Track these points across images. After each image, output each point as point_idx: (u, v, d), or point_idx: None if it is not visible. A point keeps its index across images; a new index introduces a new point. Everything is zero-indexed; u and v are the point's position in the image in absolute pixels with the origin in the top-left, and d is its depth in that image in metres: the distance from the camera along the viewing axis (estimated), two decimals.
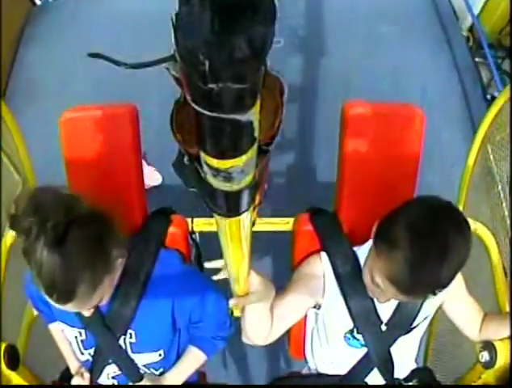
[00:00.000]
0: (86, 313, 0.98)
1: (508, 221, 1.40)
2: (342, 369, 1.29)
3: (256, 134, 0.44)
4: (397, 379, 1.32)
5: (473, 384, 1.28)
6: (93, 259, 0.87)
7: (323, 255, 1.19)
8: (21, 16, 3.56)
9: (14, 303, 1.38)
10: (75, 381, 1.21)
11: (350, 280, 1.15)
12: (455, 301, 1.23)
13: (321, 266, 1.17)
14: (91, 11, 3.70)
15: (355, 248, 1.18)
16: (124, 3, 3.76)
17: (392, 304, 1.18)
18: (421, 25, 3.74)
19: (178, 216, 1.30)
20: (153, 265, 1.11)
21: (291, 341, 1.46)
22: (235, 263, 0.82)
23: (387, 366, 1.26)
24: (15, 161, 1.43)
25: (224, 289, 1.52)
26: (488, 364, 1.16)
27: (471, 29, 3.73)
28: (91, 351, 1.18)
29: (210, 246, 1.34)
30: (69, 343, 1.20)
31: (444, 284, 0.96)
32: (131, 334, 1.13)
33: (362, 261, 1.15)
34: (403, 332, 1.22)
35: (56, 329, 1.25)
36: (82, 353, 1.18)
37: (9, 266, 1.32)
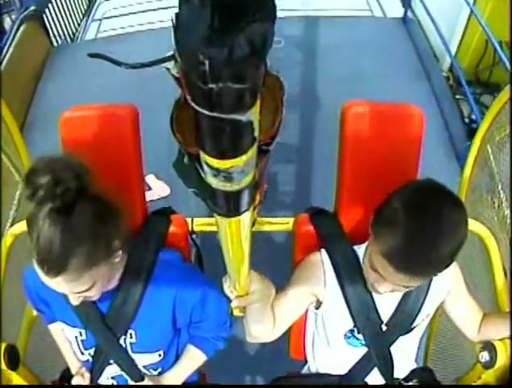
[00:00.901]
0: (74, 300, 0.97)
1: (508, 221, 1.40)
2: (342, 369, 1.29)
3: (256, 134, 0.44)
4: (397, 379, 1.32)
5: (473, 384, 1.28)
6: (94, 236, 0.87)
7: (323, 252, 1.19)
8: (41, 55, 4.07)
9: (14, 303, 1.38)
10: (75, 381, 1.21)
11: (351, 279, 1.15)
12: (455, 300, 1.23)
13: (321, 264, 1.18)
14: (104, 52, 3.88)
15: (355, 247, 1.19)
16: (137, 47, 3.94)
17: (393, 303, 1.18)
18: (403, 66, 3.98)
19: (178, 216, 1.30)
20: (154, 265, 1.11)
21: (291, 342, 1.46)
22: (235, 263, 0.82)
23: (387, 366, 1.26)
24: (15, 161, 1.44)
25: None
26: (488, 364, 1.16)
27: (450, 69, 3.99)
28: (91, 351, 1.17)
29: (210, 246, 1.34)
30: (70, 343, 1.20)
31: (442, 261, 0.96)
32: (131, 334, 1.13)
33: (362, 260, 1.15)
34: (403, 332, 1.22)
35: (56, 329, 1.24)
36: (83, 353, 1.18)
37: (9, 266, 1.32)
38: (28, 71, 3.79)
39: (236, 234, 0.68)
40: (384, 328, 1.20)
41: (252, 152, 0.46)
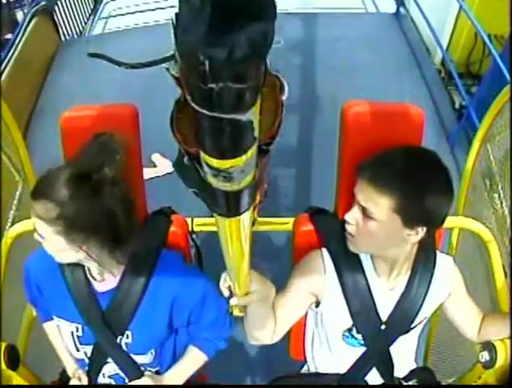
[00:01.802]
0: (57, 257, 1.01)
1: (508, 221, 1.40)
2: (341, 369, 1.29)
3: (256, 134, 0.44)
4: (397, 378, 1.32)
5: (473, 384, 1.28)
6: (107, 213, 0.95)
7: (324, 251, 1.19)
8: (51, 48, 4.43)
9: (14, 303, 1.38)
10: (73, 382, 1.21)
11: (351, 278, 1.15)
12: (455, 302, 1.23)
13: (322, 262, 1.17)
14: (111, 46, 4.32)
15: None
16: (144, 41, 4.18)
17: (392, 303, 1.18)
18: (396, 58, 4.18)
19: (178, 216, 1.30)
20: (155, 265, 1.11)
21: (291, 342, 1.46)
22: (235, 263, 0.82)
23: (386, 366, 1.26)
24: (15, 161, 1.44)
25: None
26: (488, 364, 1.16)
27: (442, 63, 4.20)
28: (87, 348, 1.17)
29: (210, 246, 1.34)
30: (65, 340, 1.20)
31: (403, 187, 0.98)
32: (128, 335, 1.13)
33: (362, 259, 1.15)
34: (402, 332, 1.22)
35: (51, 328, 1.25)
36: (78, 350, 1.18)
37: (9, 266, 1.32)
38: (38, 62, 4.07)
39: (236, 234, 0.68)
40: (384, 328, 1.20)
41: (252, 152, 0.46)
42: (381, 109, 1.19)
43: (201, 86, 0.36)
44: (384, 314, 1.19)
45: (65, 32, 4.90)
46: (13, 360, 1.18)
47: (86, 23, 5.32)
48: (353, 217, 1.06)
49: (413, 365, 1.38)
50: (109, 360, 1.19)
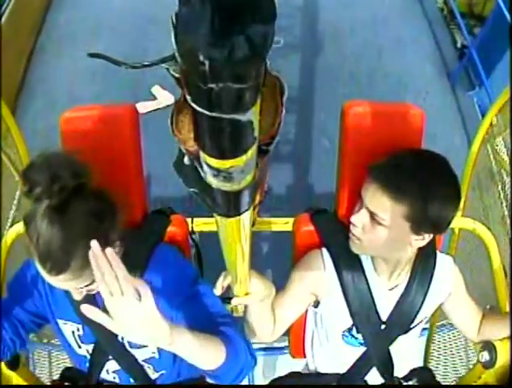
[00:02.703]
0: (77, 295, 0.96)
1: (508, 221, 1.40)
2: (341, 368, 1.30)
3: (256, 134, 0.44)
4: (397, 378, 1.33)
5: (473, 384, 1.28)
6: (92, 234, 0.86)
7: (324, 251, 1.19)
8: None
9: None
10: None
11: (352, 278, 1.15)
12: (455, 302, 1.23)
13: (322, 262, 1.18)
14: None
15: None
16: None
17: (392, 302, 1.18)
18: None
19: (178, 216, 1.30)
20: (149, 261, 1.11)
21: (291, 341, 1.46)
22: (235, 262, 0.82)
23: (386, 365, 1.27)
24: (15, 161, 1.44)
25: (225, 291, 1.53)
26: (488, 364, 1.16)
27: (445, 1, 4.22)
28: (89, 346, 1.17)
29: (210, 246, 1.34)
30: (65, 338, 1.19)
31: (414, 194, 0.97)
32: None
33: (363, 259, 1.15)
34: (402, 331, 1.22)
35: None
36: (80, 347, 1.18)
37: (9, 266, 1.32)
38: (37, 1, 4.25)
39: (236, 234, 0.68)
40: (383, 327, 1.20)
41: (252, 152, 0.46)
42: (381, 109, 1.19)
43: (201, 86, 0.36)
44: (384, 314, 1.19)
45: None
46: (13, 360, 1.18)
47: None
48: (360, 221, 1.04)
49: (413, 365, 1.38)
50: (110, 356, 1.18)
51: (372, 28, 3.98)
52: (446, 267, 1.20)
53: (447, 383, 1.61)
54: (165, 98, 3.35)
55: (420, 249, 1.10)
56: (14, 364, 1.19)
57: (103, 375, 1.22)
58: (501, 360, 1.14)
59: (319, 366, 1.36)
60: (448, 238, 1.52)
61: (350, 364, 1.28)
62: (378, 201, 0.99)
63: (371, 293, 1.16)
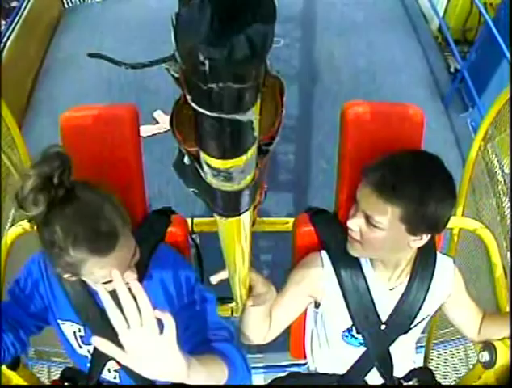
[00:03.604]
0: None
1: (508, 221, 1.40)
2: (341, 369, 1.30)
3: (256, 134, 0.44)
4: (397, 378, 1.32)
5: (473, 384, 1.28)
6: (108, 200, 0.90)
7: (323, 253, 1.19)
8: (54, 14, 4.83)
9: None
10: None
11: (351, 279, 1.15)
12: (455, 302, 1.23)
13: (321, 264, 1.18)
14: (115, 12, 4.75)
15: None
16: (146, 6, 4.65)
17: (392, 303, 1.18)
18: (393, 22, 4.51)
19: (178, 216, 1.30)
20: (150, 261, 1.11)
21: (291, 341, 1.46)
22: (235, 262, 0.82)
23: (386, 365, 1.26)
24: (15, 161, 1.44)
25: (225, 291, 1.53)
26: (488, 364, 1.16)
27: (439, 30, 4.40)
28: (90, 347, 1.17)
29: (210, 246, 1.34)
30: (67, 339, 1.19)
31: (406, 195, 0.96)
32: None
33: (362, 260, 1.15)
34: (402, 331, 1.22)
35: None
36: (81, 347, 1.18)
37: (9, 266, 1.32)
38: (43, 27, 4.49)
39: (236, 234, 0.68)
40: (383, 327, 1.20)
41: (252, 152, 0.46)
42: (381, 109, 1.20)
43: (201, 86, 0.36)
44: (384, 314, 1.19)
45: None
46: (13, 361, 1.18)
47: None
48: (357, 224, 1.03)
49: (413, 365, 1.38)
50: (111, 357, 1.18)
51: (367, 55, 4.11)
52: (446, 268, 1.20)
53: (447, 383, 1.61)
54: (166, 122, 3.43)
55: (419, 249, 1.10)
56: (14, 365, 1.19)
57: (105, 373, 1.22)
58: (501, 360, 1.14)
59: (319, 366, 1.35)
60: (448, 238, 1.52)
61: (350, 365, 1.28)
62: (373, 204, 0.98)
63: (370, 294, 1.16)
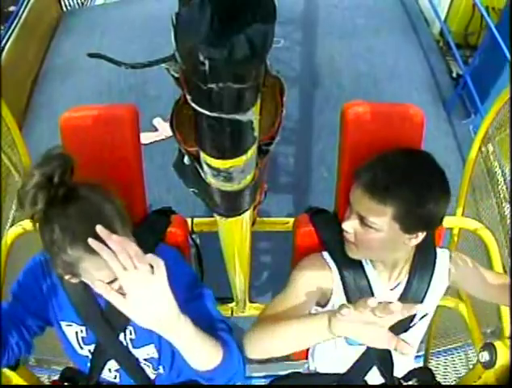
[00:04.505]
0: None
1: (508, 221, 1.40)
2: (342, 368, 1.29)
3: (256, 134, 0.44)
4: (397, 378, 1.32)
5: (473, 384, 1.28)
6: (109, 199, 0.91)
7: (326, 255, 1.18)
8: (52, 18, 4.77)
9: None
10: None
11: (353, 278, 1.15)
12: (464, 278, 1.20)
13: (328, 267, 1.17)
14: (115, 16, 4.73)
15: None
16: (145, 9, 4.67)
17: (392, 301, 1.18)
18: (394, 27, 4.47)
19: (178, 216, 1.30)
20: None
21: None
22: (235, 262, 0.82)
23: (386, 365, 1.26)
24: (15, 161, 1.44)
25: (225, 291, 1.53)
26: (488, 364, 1.16)
27: (441, 34, 4.36)
28: (91, 347, 1.17)
29: (210, 246, 1.34)
30: (68, 339, 1.19)
31: (398, 195, 0.95)
32: (130, 331, 1.13)
33: (363, 260, 1.15)
34: (402, 330, 1.22)
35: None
36: (82, 348, 1.18)
37: (9, 266, 1.32)
38: (41, 31, 4.45)
39: (236, 234, 0.68)
40: None
41: (252, 152, 0.46)
42: (381, 109, 1.19)
43: (201, 86, 0.36)
44: None
45: (67, 2, 5.11)
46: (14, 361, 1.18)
47: None
48: (351, 226, 1.03)
49: (413, 365, 1.38)
50: (111, 356, 1.18)
51: (368, 58, 4.07)
52: (444, 262, 1.20)
53: (447, 383, 1.61)
54: (166, 130, 3.42)
55: (418, 247, 1.10)
56: (14, 365, 1.19)
57: (105, 373, 1.22)
58: (501, 360, 1.14)
59: (319, 366, 1.35)
60: (448, 238, 1.52)
61: (351, 364, 1.28)
62: (366, 205, 0.98)
63: (372, 293, 1.16)
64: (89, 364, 1.21)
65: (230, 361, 0.95)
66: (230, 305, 1.63)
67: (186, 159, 0.54)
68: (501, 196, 1.42)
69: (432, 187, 0.97)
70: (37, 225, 0.90)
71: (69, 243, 0.86)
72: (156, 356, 1.18)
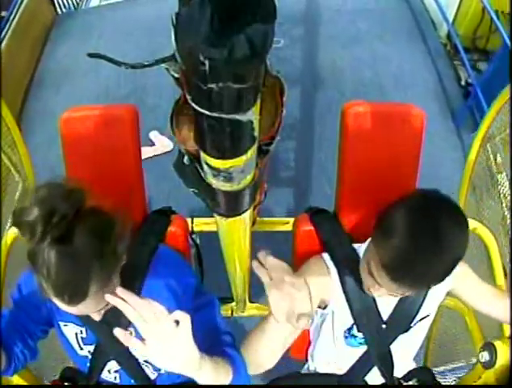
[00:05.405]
0: (97, 316, 0.95)
1: (508, 221, 1.40)
2: (342, 369, 1.29)
3: (256, 134, 0.44)
4: (397, 378, 1.32)
5: (473, 384, 1.28)
6: (101, 256, 0.86)
7: (326, 256, 1.18)
8: (46, 21, 4.60)
9: None
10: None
11: (353, 280, 1.15)
12: (465, 290, 1.22)
13: (325, 267, 1.17)
14: (109, 18, 4.63)
15: (356, 246, 1.19)
16: (141, 12, 4.57)
17: (393, 302, 1.18)
18: (400, 31, 4.31)
19: (178, 216, 1.30)
20: (151, 263, 1.11)
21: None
22: (235, 262, 0.82)
23: (386, 365, 1.26)
24: (15, 161, 1.44)
25: (225, 291, 1.53)
26: (488, 364, 1.16)
27: (448, 36, 4.18)
28: (91, 347, 1.17)
29: (210, 246, 1.34)
30: (68, 340, 1.19)
31: (437, 277, 0.95)
32: (131, 331, 1.13)
33: (361, 260, 1.15)
34: (402, 330, 1.22)
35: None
36: (82, 348, 1.18)
37: (9, 266, 1.32)
38: (35, 34, 4.30)
39: (235, 234, 0.68)
40: (384, 326, 1.20)
41: (252, 152, 0.46)
42: (382, 110, 1.20)
43: (201, 86, 0.36)
44: (385, 314, 1.19)
45: (61, 4, 4.94)
46: None
47: None
48: (380, 292, 1.03)
49: (413, 365, 1.38)
50: (111, 357, 1.18)
51: (372, 64, 3.90)
52: None
53: (447, 383, 1.61)
54: (163, 144, 3.27)
55: None
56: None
57: (105, 374, 1.22)
58: (501, 360, 1.14)
59: (319, 367, 1.35)
60: None
61: (351, 365, 1.28)
62: (391, 287, 0.97)
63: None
64: (88, 365, 1.21)
65: (238, 378, 0.97)
66: (230, 304, 1.63)
67: (186, 159, 0.54)
68: (501, 196, 1.42)
69: (444, 275, 0.95)
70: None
71: (44, 280, 0.84)
72: None
